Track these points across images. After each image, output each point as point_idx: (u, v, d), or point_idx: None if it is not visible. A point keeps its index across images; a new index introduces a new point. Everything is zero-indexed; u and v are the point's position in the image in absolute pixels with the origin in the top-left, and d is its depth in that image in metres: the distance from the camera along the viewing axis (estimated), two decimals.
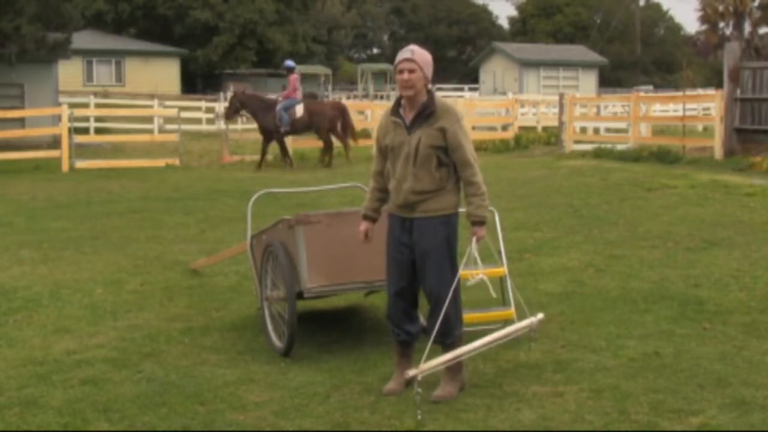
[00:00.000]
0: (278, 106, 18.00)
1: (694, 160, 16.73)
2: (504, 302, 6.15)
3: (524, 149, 21.49)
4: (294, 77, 18.38)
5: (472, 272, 4.98)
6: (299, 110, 18.11)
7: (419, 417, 4.53)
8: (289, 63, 18.89)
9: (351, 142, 18.76)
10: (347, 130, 18.69)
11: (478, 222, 4.84)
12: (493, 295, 5.07)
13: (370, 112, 25.57)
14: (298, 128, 18.36)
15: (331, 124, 18.40)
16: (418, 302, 5.09)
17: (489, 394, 4.86)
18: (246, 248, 6.63)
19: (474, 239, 4.85)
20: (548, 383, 4.99)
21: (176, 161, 19.27)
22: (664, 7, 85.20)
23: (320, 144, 22.28)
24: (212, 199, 13.33)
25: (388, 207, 5.07)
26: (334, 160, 18.63)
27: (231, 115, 18.76)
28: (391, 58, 52.92)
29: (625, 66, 62.27)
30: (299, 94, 18.46)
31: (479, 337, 5.05)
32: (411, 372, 4.69)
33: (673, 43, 68.75)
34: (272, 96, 19.35)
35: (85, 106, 27.89)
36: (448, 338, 4.92)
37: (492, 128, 25.90)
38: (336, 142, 18.78)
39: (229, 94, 19.82)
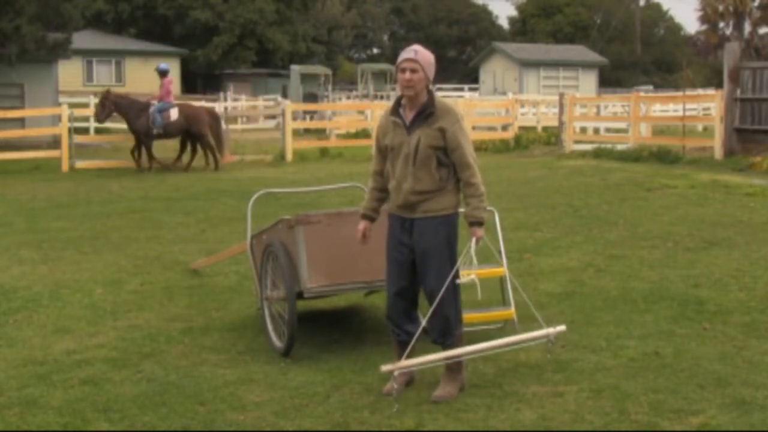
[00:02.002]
0: (152, 108, 17.51)
1: (694, 160, 16.72)
2: (504, 302, 6.15)
3: (524, 149, 21.49)
4: (168, 80, 17.91)
5: (467, 272, 4.99)
6: (174, 113, 17.64)
7: (395, 409, 4.63)
8: (163, 66, 18.37)
9: (219, 155, 18.16)
10: (218, 139, 18.20)
11: (476, 223, 4.84)
12: (479, 297, 5.05)
13: (370, 112, 25.57)
14: (171, 132, 17.78)
15: (208, 130, 17.95)
16: (418, 302, 5.09)
17: (489, 394, 4.87)
18: (246, 248, 6.63)
19: (473, 240, 4.85)
20: (548, 383, 4.99)
21: None
22: (664, 7, 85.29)
23: (319, 144, 22.29)
24: (212, 199, 13.33)
25: (388, 207, 5.07)
26: (205, 166, 18.04)
27: (103, 118, 17.85)
28: (391, 58, 52.98)
29: (625, 66, 62.26)
30: (172, 98, 18.02)
31: (479, 337, 5.06)
32: (386, 367, 4.72)
33: (673, 43, 68.72)
34: (143, 99, 18.65)
35: (85, 106, 27.88)
36: (448, 338, 4.92)
37: (492, 128, 25.89)
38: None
39: (98, 98, 18.92)
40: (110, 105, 17.68)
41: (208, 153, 18.17)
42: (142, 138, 17.71)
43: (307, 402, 4.83)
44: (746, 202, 11.49)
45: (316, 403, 4.82)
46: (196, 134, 17.96)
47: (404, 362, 4.82)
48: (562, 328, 5.14)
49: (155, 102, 17.81)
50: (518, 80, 41.91)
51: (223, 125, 18.86)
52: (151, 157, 17.89)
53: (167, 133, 17.81)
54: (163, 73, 18.06)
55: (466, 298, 5.27)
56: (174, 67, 44.21)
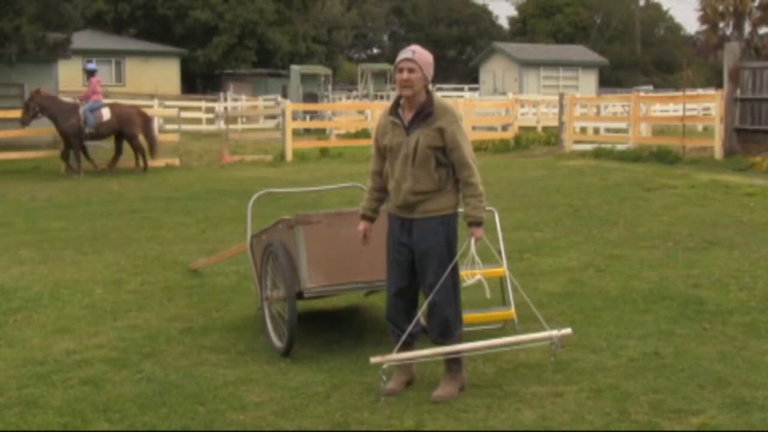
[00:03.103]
0: (83, 107, 17.13)
1: (694, 160, 16.73)
2: (504, 302, 6.15)
3: (524, 149, 21.50)
4: (96, 80, 17.51)
5: (472, 272, 4.99)
6: (105, 113, 17.32)
7: (381, 401, 4.69)
8: (90, 66, 17.96)
9: (150, 156, 17.95)
10: (150, 140, 17.98)
11: (475, 223, 4.84)
12: (488, 296, 5.05)
13: (370, 112, 25.58)
14: (103, 132, 17.48)
15: (139, 131, 17.72)
16: (418, 302, 5.09)
17: (489, 394, 4.86)
18: (246, 248, 6.63)
19: (473, 240, 4.85)
20: (548, 383, 4.99)
21: (176, 161, 19.27)
22: (664, 7, 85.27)
23: (319, 144, 22.28)
24: (212, 199, 13.34)
25: (388, 207, 5.07)
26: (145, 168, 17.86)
27: (28, 119, 17.25)
28: (391, 58, 52.87)
29: (625, 66, 62.22)
30: (101, 98, 17.64)
31: (479, 337, 5.06)
32: (374, 359, 4.73)
33: (673, 43, 68.68)
34: (69, 100, 18.11)
35: None
36: (448, 338, 4.92)
37: (492, 128, 25.91)
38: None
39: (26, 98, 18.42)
40: (35, 106, 17.16)
41: (138, 154, 17.83)
42: (72, 140, 17.15)
43: (307, 402, 4.83)
44: (746, 202, 11.50)
45: (316, 403, 4.82)
46: (127, 135, 17.60)
47: (394, 356, 4.82)
48: (567, 331, 5.09)
49: (79, 101, 17.38)
50: (518, 80, 41.88)
51: (155, 126, 18.48)
52: (87, 158, 17.42)
53: (99, 133, 17.45)
54: (90, 73, 17.68)
55: (469, 298, 5.28)
56: (174, 67, 44.29)
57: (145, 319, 6.67)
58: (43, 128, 20.93)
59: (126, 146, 17.97)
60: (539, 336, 5.05)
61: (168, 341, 6.07)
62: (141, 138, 17.89)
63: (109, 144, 18.77)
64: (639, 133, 20.00)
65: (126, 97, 35.47)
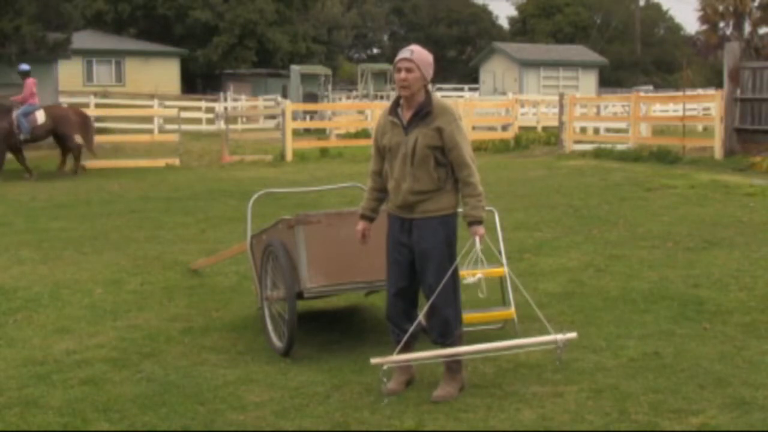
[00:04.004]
0: (16, 112, 16.51)
1: (694, 160, 16.74)
2: (504, 302, 6.14)
3: (524, 149, 21.50)
4: (30, 81, 16.80)
5: (473, 272, 4.98)
6: (40, 116, 16.81)
7: (385, 402, 4.68)
8: (24, 66, 17.28)
9: (90, 155, 17.68)
10: (87, 141, 17.57)
11: (475, 222, 4.84)
12: (481, 295, 5.04)
13: (370, 112, 25.59)
14: (39, 135, 16.94)
15: (77, 131, 17.38)
16: (418, 302, 5.09)
17: (489, 394, 4.86)
18: (246, 248, 6.63)
19: (477, 239, 4.84)
20: (548, 383, 4.99)
21: (176, 161, 19.28)
22: (664, 7, 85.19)
23: (319, 144, 22.28)
24: (212, 199, 13.34)
25: (388, 207, 5.07)
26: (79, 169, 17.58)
27: None
28: (391, 58, 52.81)
29: (625, 66, 62.23)
30: (37, 99, 17.10)
31: (479, 337, 5.05)
32: (375, 360, 4.73)
33: (673, 43, 68.68)
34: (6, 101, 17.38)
35: (85, 106, 27.85)
36: (448, 339, 4.92)
37: (492, 128, 25.90)
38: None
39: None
40: None
41: (71, 156, 17.46)
42: (1, 145, 16.59)
43: (307, 402, 4.83)
44: (746, 202, 11.50)
45: (316, 403, 4.82)
46: (61, 135, 17.26)
47: (394, 357, 4.81)
48: (573, 335, 5.05)
49: (14, 103, 16.83)
50: (518, 80, 41.87)
51: (93, 127, 17.99)
52: (22, 164, 16.89)
53: (35, 137, 16.98)
54: (24, 74, 16.99)
55: (468, 298, 5.27)
56: (174, 67, 44.30)
57: (145, 319, 6.67)
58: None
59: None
60: (544, 339, 5.03)
61: (168, 341, 6.07)
62: (79, 139, 17.41)
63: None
64: (639, 133, 20.00)
65: (126, 97, 35.56)
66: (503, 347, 5.03)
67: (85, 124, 17.82)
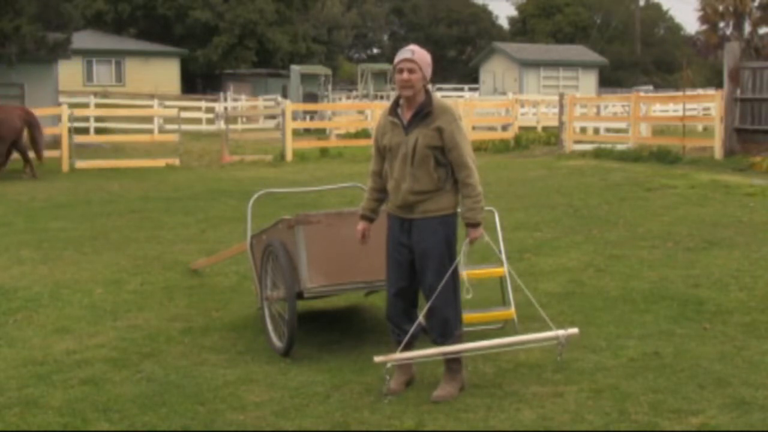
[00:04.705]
0: None
1: (694, 160, 16.73)
2: (504, 302, 6.15)
3: (524, 149, 21.50)
4: None
5: (465, 272, 5.00)
6: None
7: (387, 400, 4.70)
8: None
9: (36, 159, 17.02)
10: (35, 144, 17.01)
11: (472, 224, 4.84)
12: (468, 296, 5.04)
13: (370, 112, 25.59)
14: None
15: (17, 135, 16.62)
16: (418, 302, 5.09)
17: (489, 394, 4.86)
18: (246, 248, 6.63)
19: (466, 242, 4.85)
20: (548, 383, 4.99)
21: (176, 161, 19.28)
22: (664, 7, 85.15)
23: (319, 144, 22.29)
24: (212, 199, 13.33)
25: (388, 207, 5.07)
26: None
27: None
28: (391, 58, 52.75)
29: (625, 66, 62.21)
30: None
31: (479, 337, 5.05)
32: (378, 358, 4.74)
33: (673, 43, 68.65)
34: None
35: (85, 106, 27.91)
36: (448, 338, 4.92)
37: (492, 128, 25.91)
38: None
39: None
40: None
41: (24, 158, 16.99)
42: None
43: (307, 402, 4.83)
44: (746, 202, 11.50)
45: (316, 403, 4.82)
46: (5, 138, 16.59)
47: (397, 355, 4.82)
48: (574, 330, 5.06)
49: None
50: (518, 80, 41.87)
51: (41, 128, 17.41)
52: None
53: None
54: None
55: (468, 298, 5.26)
56: (174, 67, 44.30)
57: (145, 319, 6.67)
58: (43, 128, 20.92)
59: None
60: (545, 336, 5.05)
61: (168, 341, 6.07)
62: (25, 141, 16.96)
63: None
64: (639, 133, 20.00)
65: (126, 97, 35.55)
66: (506, 344, 5.04)
67: (33, 127, 17.09)
